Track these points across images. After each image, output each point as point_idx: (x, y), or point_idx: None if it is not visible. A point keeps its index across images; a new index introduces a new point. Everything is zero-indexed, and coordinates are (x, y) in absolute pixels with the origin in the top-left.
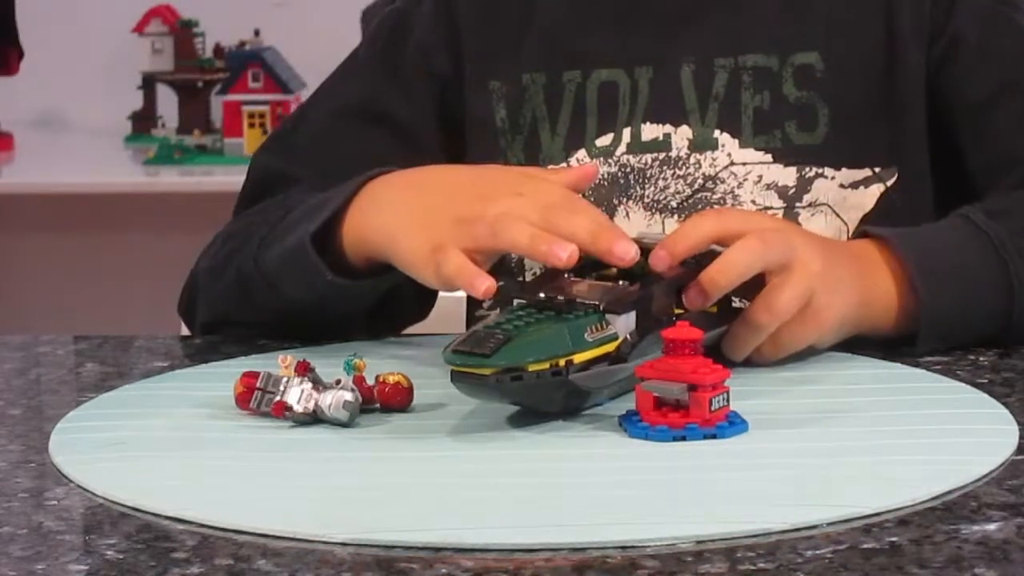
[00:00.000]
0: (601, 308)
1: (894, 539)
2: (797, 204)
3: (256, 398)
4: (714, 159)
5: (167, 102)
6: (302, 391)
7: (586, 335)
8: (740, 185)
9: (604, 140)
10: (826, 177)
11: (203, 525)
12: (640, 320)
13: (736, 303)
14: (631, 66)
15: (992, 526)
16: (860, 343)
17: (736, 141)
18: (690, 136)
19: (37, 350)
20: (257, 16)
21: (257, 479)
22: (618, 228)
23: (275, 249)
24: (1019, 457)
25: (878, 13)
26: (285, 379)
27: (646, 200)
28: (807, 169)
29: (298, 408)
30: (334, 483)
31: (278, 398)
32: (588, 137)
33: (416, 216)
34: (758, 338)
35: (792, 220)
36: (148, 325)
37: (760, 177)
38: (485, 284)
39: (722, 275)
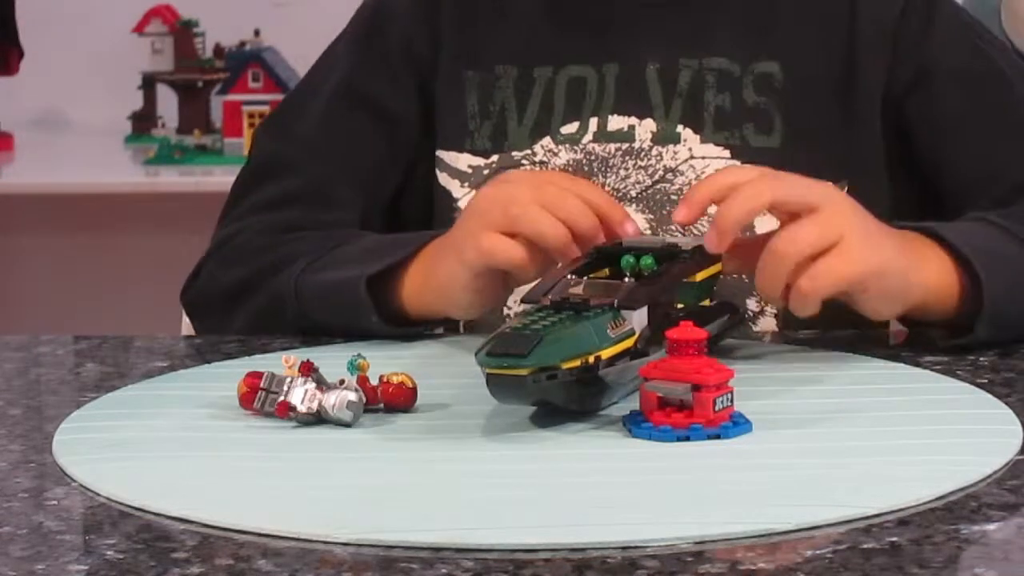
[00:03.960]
0: (616, 305)
1: (894, 539)
2: None
3: (260, 398)
4: (675, 152)
5: (167, 102)
6: (306, 391)
7: (608, 331)
8: (698, 177)
9: (570, 128)
10: None
11: (205, 525)
12: (651, 315)
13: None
14: (600, 63)
15: (992, 526)
16: (862, 343)
17: (698, 136)
18: (653, 129)
19: (37, 350)
20: (257, 16)
21: (260, 479)
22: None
23: (320, 279)
24: (1021, 457)
25: (841, 31)
26: (289, 379)
27: (607, 188)
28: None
29: (302, 408)
30: (336, 483)
31: (282, 398)
32: (554, 127)
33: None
34: (784, 267)
35: None
36: (148, 325)
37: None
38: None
39: (730, 208)
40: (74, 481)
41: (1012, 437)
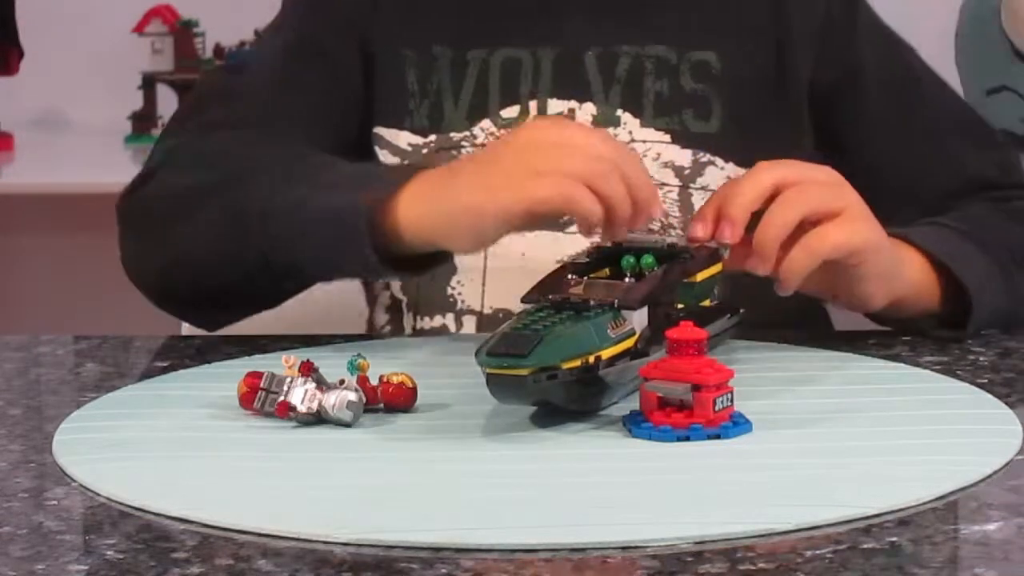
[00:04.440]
0: (616, 305)
1: (894, 539)
2: (691, 185)
3: (260, 398)
4: (616, 135)
5: (167, 102)
6: (306, 391)
7: (608, 331)
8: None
9: (511, 112)
10: (716, 166)
11: (205, 525)
12: (652, 315)
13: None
14: (535, 46)
15: (992, 526)
16: (861, 343)
17: (637, 121)
18: (594, 112)
19: (37, 350)
20: (257, 16)
21: (259, 479)
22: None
23: (297, 201)
24: (1021, 457)
25: (772, 28)
26: (289, 379)
27: None
28: (701, 154)
29: (302, 408)
30: (336, 483)
31: (282, 398)
32: (492, 109)
33: (487, 177)
34: (792, 215)
35: (686, 201)
36: (148, 325)
37: (659, 155)
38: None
39: (736, 196)
40: (74, 481)
41: (1012, 437)
